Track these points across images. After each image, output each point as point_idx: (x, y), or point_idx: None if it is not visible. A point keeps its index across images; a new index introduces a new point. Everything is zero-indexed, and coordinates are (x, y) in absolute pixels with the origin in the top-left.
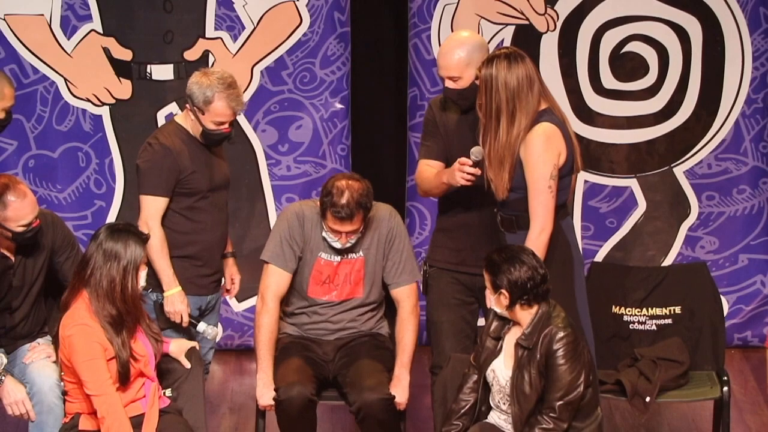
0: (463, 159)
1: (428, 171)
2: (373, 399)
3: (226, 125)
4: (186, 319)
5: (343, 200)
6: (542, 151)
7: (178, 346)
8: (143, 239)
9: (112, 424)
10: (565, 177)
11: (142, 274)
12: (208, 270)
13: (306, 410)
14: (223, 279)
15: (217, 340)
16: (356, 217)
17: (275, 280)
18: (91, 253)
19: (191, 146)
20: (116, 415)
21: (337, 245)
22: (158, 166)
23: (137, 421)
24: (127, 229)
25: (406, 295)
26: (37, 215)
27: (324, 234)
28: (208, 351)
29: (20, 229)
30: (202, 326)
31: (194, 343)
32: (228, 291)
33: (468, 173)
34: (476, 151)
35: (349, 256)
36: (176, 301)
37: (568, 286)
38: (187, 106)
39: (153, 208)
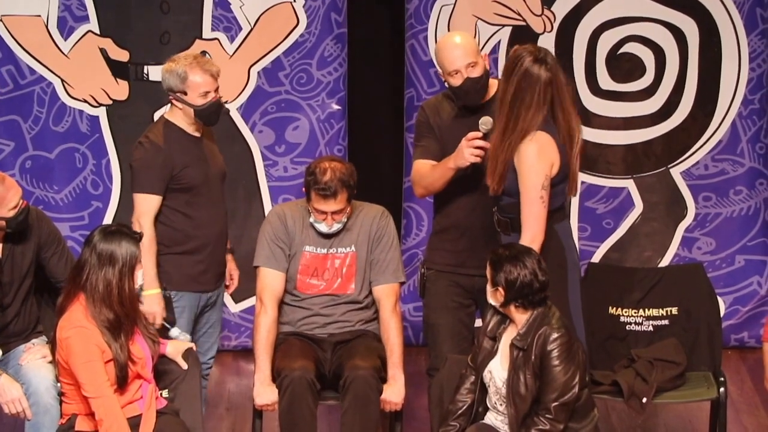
0: (472, 133)
1: (427, 165)
2: (361, 374)
3: (212, 93)
4: (159, 322)
5: (326, 177)
6: (534, 162)
7: (174, 347)
8: (136, 238)
9: (111, 426)
10: (558, 185)
11: (138, 273)
12: (208, 265)
13: (305, 394)
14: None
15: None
16: (340, 195)
17: (270, 281)
18: (85, 258)
19: (182, 141)
20: (115, 417)
21: (323, 228)
22: (150, 164)
23: (134, 422)
24: (120, 230)
25: (386, 294)
26: (21, 196)
27: (311, 220)
28: (211, 346)
29: (12, 213)
30: (174, 332)
31: (191, 344)
32: (227, 287)
33: (477, 147)
34: (486, 122)
35: (338, 250)
36: (153, 303)
37: (561, 289)
38: (171, 100)
39: (145, 206)
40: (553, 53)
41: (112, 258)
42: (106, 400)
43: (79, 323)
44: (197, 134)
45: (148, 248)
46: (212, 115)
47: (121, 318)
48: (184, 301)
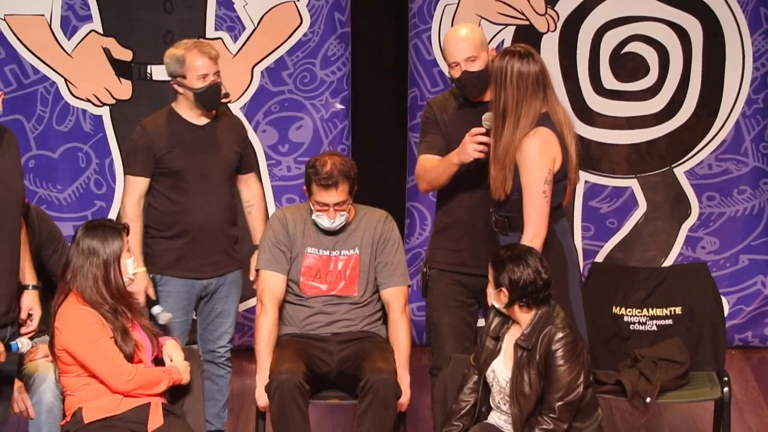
0: (475, 129)
1: (431, 160)
2: (384, 377)
3: (211, 76)
4: (142, 299)
5: (327, 168)
6: (537, 156)
7: (174, 348)
8: (119, 230)
9: (146, 384)
10: (559, 182)
11: (127, 262)
12: (197, 252)
13: (293, 395)
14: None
15: (165, 322)
16: (341, 186)
17: (271, 283)
18: (71, 255)
19: (176, 127)
20: (143, 378)
21: (326, 222)
22: (135, 146)
23: (143, 411)
24: (103, 224)
25: (395, 297)
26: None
27: (313, 217)
28: (221, 335)
29: None
30: (156, 309)
31: (186, 363)
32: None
33: (481, 143)
34: (489, 117)
35: (342, 253)
36: (137, 280)
37: (561, 287)
38: (174, 86)
39: (128, 186)
40: (557, 52)
41: (96, 251)
42: (125, 375)
43: (75, 307)
44: (200, 122)
45: (131, 228)
46: (211, 98)
47: (116, 307)
48: (170, 286)
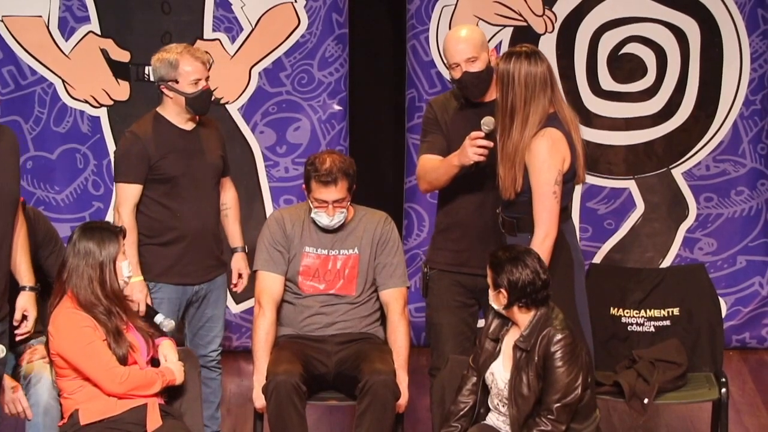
0: (475, 132)
1: (433, 160)
2: (383, 378)
3: (203, 81)
4: (143, 308)
5: (327, 165)
6: (547, 157)
7: (169, 348)
8: (116, 233)
9: (139, 385)
10: (568, 182)
11: (122, 265)
12: (190, 258)
13: (290, 397)
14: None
15: (170, 330)
16: (340, 183)
17: (268, 284)
18: (67, 255)
19: (166, 132)
20: (136, 380)
21: (325, 219)
22: (127, 153)
23: (140, 412)
24: (100, 226)
25: (395, 298)
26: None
27: (312, 215)
28: (212, 339)
29: None
30: (159, 318)
31: (180, 363)
32: (234, 285)
33: (481, 146)
34: (488, 122)
35: (341, 252)
36: (135, 290)
37: (568, 288)
38: (163, 90)
39: (123, 195)
40: (555, 54)
41: (92, 253)
42: (118, 377)
43: (68, 311)
44: (187, 127)
45: (127, 237)
46: (203, 103)
47: (110, 309)
48: (163, 293)
